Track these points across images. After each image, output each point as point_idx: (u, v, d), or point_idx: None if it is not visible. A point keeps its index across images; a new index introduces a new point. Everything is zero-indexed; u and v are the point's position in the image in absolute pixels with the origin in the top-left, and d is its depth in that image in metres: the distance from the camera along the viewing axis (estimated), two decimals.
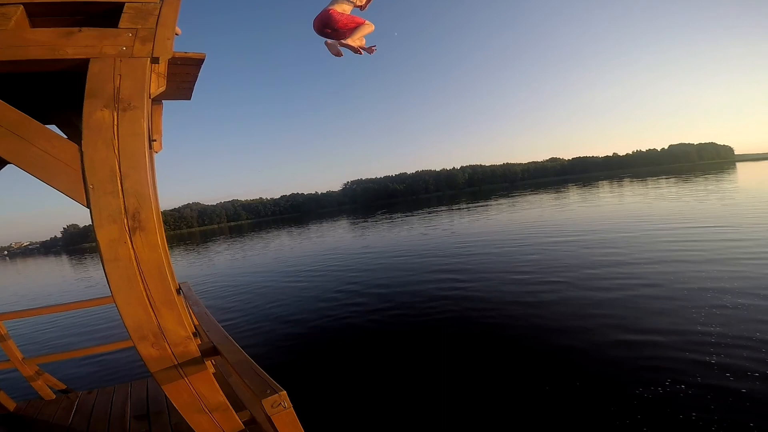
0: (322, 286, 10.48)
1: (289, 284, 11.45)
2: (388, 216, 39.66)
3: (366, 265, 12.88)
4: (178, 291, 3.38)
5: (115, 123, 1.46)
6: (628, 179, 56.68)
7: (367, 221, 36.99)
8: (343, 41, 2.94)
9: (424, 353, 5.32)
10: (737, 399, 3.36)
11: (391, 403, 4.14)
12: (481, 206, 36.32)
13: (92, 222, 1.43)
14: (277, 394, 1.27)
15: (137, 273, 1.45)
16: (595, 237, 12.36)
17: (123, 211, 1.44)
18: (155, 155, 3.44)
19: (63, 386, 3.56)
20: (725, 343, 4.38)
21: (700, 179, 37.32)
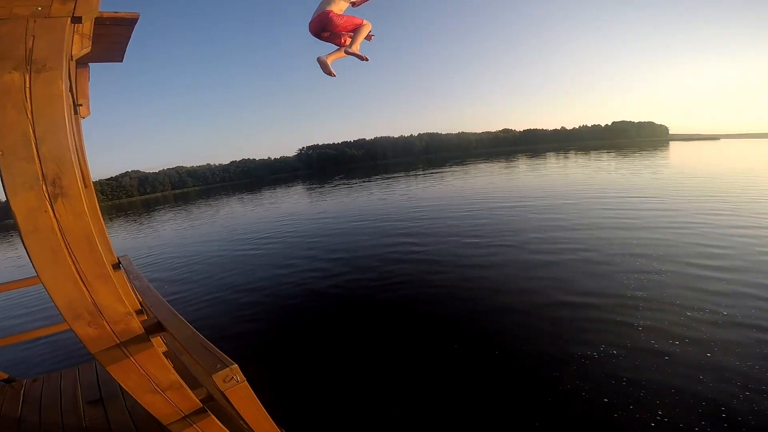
0: (278, 253, 10.34)
1: (243, 252, 11.13)
2: (345, 181, 39.22)
3: (324, 230, 12.87)
4: (117, 265, 3.14)
5: (27, 85, 1.28)
6: (573, 151, 60.69)
7: (324, 187, 36.35)
8: (348, 50, 2.89)
9: (383, 317, 5.55)
10: (661, 361, 3.78)
11: (350, 368, 4.32)
12: (437, 173, 37.19)
13: (5, 191, 1.26)
14: (228, 368, 1.26)
15: (62, 244, 1.32)
16: (541, 204, 13.31)
17: (41, 177, 1.29)
18: (82, 120, 3.13)
19: (5, 375, 3.23)
20: (651, 307, 4.92)
21: (637, 155, 40.74)
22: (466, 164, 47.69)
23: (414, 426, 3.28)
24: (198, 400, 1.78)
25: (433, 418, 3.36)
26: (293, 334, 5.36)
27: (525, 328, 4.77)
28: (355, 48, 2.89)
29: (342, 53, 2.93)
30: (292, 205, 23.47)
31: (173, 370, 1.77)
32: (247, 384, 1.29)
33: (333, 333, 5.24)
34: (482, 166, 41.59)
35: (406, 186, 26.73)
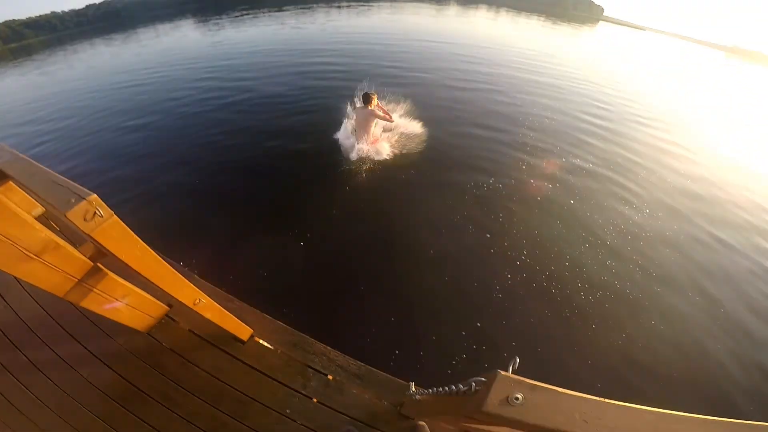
0: (167, 85, 8.65)
1: (122, 89, 9.04)
2: (250, 12, 31.64)
3: (225, 56, 11.01)
4: None
5: None
6: (505, 9, 58.40)
7: (222, 18, 29.17)
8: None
9: (290, 141, 5.38)
10: (541, 197, 4.62)
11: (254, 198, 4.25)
12: (364, 5, 33.11)
13: None
14: (84, 201, 0.94)
15: None
16: (466, 47, 13.70)
17: None
18: None
19: None
20: (539, 146, 5.93)
21: (565, 25, 39.90)
22: (396, 2, 42.49)
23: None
24: (86, 258, 1.46)
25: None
26: (191, 168, 4.85)
27: (434, 148, 5.36)
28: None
29: None
30: (178, 39, 18.69)
31: (42, 227, 1.38)
32: (119, 219, 1.00)
33: (237, 159, 4.93)
34: (412, 5, 37.31)
35: (327, 17, 22.83)
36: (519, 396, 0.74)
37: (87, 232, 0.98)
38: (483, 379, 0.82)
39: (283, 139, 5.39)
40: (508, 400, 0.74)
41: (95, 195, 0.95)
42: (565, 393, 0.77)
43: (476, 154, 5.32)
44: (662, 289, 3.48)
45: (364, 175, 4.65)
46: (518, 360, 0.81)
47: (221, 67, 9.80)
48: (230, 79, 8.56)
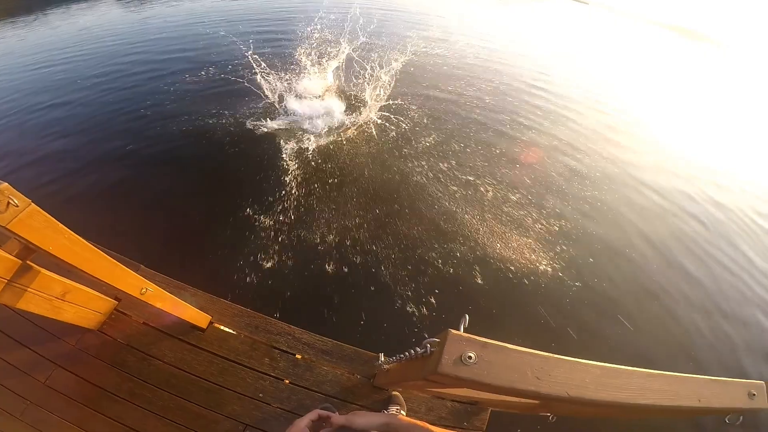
0: (87, 63, 7.64)
1: (34, 71, 8.02)
2: None
3: (156, 32, 9.98)
4: None
5: None
6: None
7: None
8: None
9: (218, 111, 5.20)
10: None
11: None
12: None
13: None
14: None
15: None
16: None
17: None
18: None
19: None
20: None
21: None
22: None
23: None
24: (12, 257, 1.31)
25: None
26: (123, 143, 4.50)
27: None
28: None
29: None
30: (98, 17, 16.03)
31: None
32: (38, 207, 0.90)
33: (171, 134, 4.68)
34: None
35: None
36: (472, 355, 0.76)
37: (3, 224, 0.88)
38: (437, 339, 0.83)
39: (209, 111, 5.13)
40: (462, 360, 0.77)
41: (6, 183, 0.84)
42: (515, 349, 0.79)
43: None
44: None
45: (301, 146, 4.58)
46: (468, 318, 0.83)
47: (150, 42, 8.81)
48: (159, 52, 7.78)
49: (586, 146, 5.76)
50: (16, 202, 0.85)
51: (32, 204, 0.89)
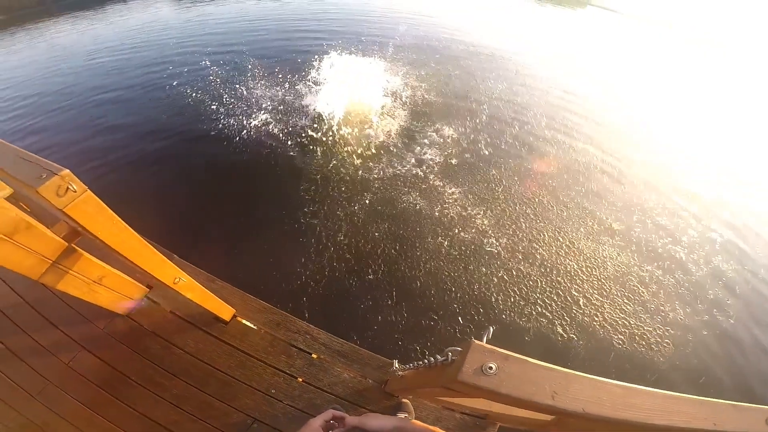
0: (142, 59, 8.08)
1: (93, 66, 8.50)
2: None
3: (209, 30, 10.49)
4: None
5: None
6: None
7: None
8: None
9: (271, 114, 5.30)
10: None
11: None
12: None
13: None
14: (56, 176, 0.91)
15: None
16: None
17: None
18: None
19: None
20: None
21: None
22: None
23: None
24: (60, 238, 1.40)
25: None
26: (165, 138, 4.71)
27: None
28: None
29: None
30: (153, 14, 16.76)
31: (12, 206, 1.32)
32: (92, 194, 0.98)
33: (217, 133, 4.85)
34: None
35: None
36: (493, 365, 0.77)
37: (60, 207, 0.95)
38: (459, 348, 0.85)
39: (264, 112, 5.25)
40: (482, 370, 0.78)
41: (67, 170, 0.92)
42: (535, 363, 0.80)
43: None
44: None
45: (345, 155, 4.62)
46: (492, 330, 0.84)
47: (202, 40, 9.27)
48: (210, 51, 8.17)
49: None
50: (75, 187, 0.93)
51: (88, 191, 0.96)
